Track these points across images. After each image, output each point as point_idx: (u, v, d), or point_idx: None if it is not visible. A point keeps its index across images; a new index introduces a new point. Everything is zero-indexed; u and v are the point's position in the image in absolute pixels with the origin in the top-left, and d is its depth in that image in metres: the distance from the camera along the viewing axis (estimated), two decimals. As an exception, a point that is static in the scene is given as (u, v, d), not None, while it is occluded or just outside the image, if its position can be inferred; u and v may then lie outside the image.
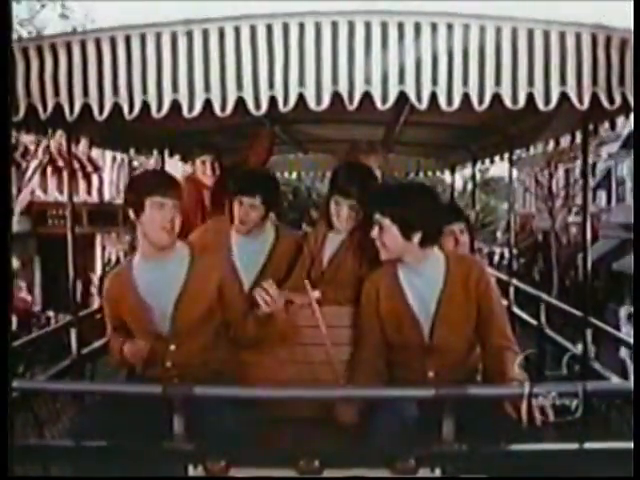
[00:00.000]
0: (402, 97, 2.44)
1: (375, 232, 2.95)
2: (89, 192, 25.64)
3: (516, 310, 5.04)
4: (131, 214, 2.94)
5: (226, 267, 3.11)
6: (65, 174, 18.35)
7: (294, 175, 7.65)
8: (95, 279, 20.70)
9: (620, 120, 3.37)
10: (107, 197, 26.03)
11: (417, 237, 2.92)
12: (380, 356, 3.07)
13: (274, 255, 3.67)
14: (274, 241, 3.70)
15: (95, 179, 26.01)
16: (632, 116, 3.00)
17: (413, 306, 2.98)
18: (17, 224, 17.28)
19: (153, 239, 2.93)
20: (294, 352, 3.31)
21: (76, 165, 21.83)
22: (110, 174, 26.69)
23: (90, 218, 20.35)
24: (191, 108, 2.47)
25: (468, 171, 7.16)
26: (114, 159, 24.77)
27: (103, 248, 24.45)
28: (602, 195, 27.12)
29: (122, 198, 3.04)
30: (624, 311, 13.21)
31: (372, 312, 3.06)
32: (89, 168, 24.88)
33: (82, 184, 24.76)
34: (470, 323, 2.98)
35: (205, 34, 2.45)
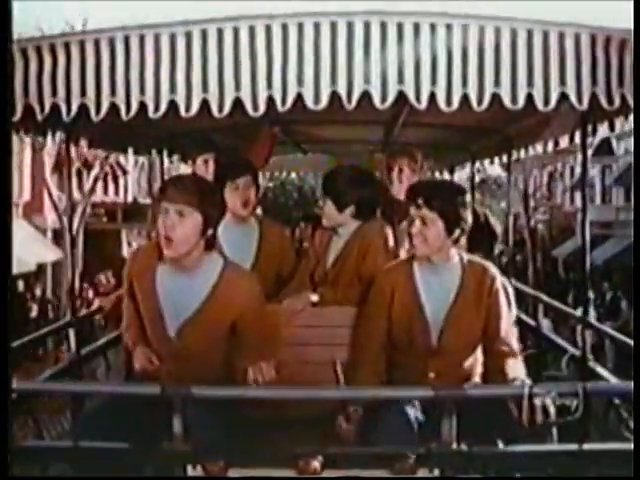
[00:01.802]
0: (401, 97, 2.44)
1: (417, 227, 2.91)
2: (117, 192, 28.46)
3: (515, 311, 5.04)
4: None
5: (253, 291, 2.91)
6: (91, 176, 20.07)
7: (298, 175, 7.64)
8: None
9: (619, 121, 3.37)
10: (130, 197, 28.62)
11: (457, 234, 2.92)
12: (382, 356, 3.05)
13: (264, 243, 3.71)
14: (259, 230, 3.74)
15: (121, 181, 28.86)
16: (631, 116, 3.01)
17: (426, 307, 2.97)
18: (59, 222, 20.53)
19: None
20: (294, 352, 3.31)
21: (108, 169, 24.06)
22: (133, 175, 28.30)
23: (123, 216, 24.50)
24: (188, 108, 2.47)
25: (465, 171, 7.18)
26: (136, 162, 26.14)
27: (129, 243, 25.77)
28: (577, 196, 29.15)
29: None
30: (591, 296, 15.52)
31: (383, 309, 3.02)
32: (118, 172, 27.34)
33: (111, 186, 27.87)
34: (478, 328, 2.99)
35: (204, 35, 2.45)
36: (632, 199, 20.91)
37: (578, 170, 28.25)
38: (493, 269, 3.07)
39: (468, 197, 3.02)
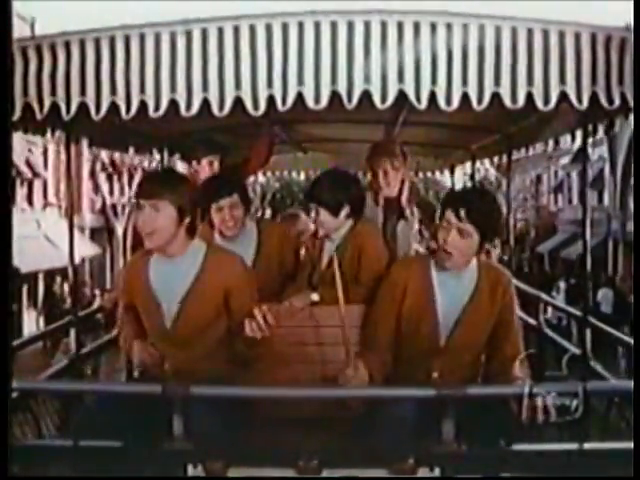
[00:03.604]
0: (401, 96, 2.44)
1: (453, 238, 2.84)
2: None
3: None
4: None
5: (237, 270, 3.00)
6: (135, 180, 24.40)
7: (299, 174, 7.62)
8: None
9: (618, 120, 3.37)
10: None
11: (486, 247, 2.94)
12: (389, 347, 3.04)
13: (262, 244, 3.70)
14: (257, 232, 3.73)
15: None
16: (631, 116, 3.00)
17: (439, 307, 2.96)
18: (95, 221, 26.82)
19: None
20: (294, 352, 3.31)
21: (134, 173, 27.88)
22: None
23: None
24: (189, 107, 2.47)
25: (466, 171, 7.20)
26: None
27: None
28: (559, 197, 34.10)
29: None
30: (562, 285, 20.70)
31: (394, 304, 3.01)
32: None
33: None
34: (488, 331, 2.99)
35: (204, 34, 2.45)
36: (632, 201, 21.76)
37: (560, 174, 32.94)
38: (508, 274, 3.08)
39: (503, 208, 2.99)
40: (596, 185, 27.25)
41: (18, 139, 21.51)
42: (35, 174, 23.13)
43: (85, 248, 23.36)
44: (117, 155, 24.93)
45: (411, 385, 2.84)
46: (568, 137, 4.17)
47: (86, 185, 26.63)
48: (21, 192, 23.21)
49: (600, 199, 27.58)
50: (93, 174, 27.16)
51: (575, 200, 31.42)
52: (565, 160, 30.28)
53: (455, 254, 2.87)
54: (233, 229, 3.61)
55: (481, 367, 3.09)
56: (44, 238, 21.17)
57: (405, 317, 2.99)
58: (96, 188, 26.83)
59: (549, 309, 10.27)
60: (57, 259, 18.88)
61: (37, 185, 23.76)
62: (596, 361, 3.67)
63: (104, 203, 27.68)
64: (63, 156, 24.41)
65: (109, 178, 27.89)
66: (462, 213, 2.82)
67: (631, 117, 3.03)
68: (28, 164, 23.00)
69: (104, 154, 24.28)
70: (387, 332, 3.03)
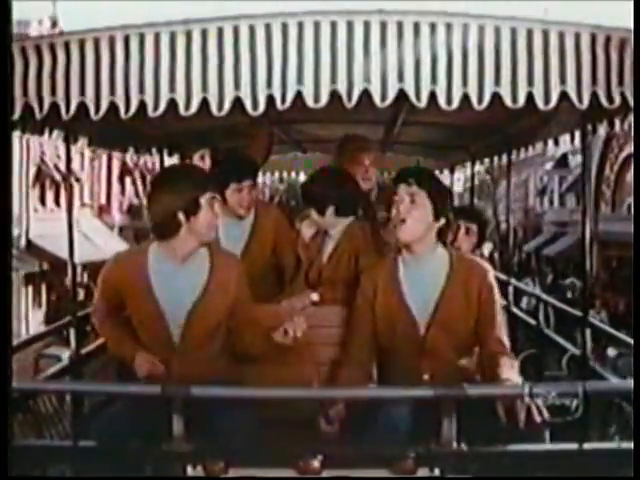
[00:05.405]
0: (401, 96, 2.44)
1: (405, 205, 2.87)
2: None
3: (515, 310, 5.04)
4: (180, 216, 2.80)
5: (239, 271, 3.01)
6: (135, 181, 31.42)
7: (302, 176, 7.64)
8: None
9: (618, 120, 3.37)
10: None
11: (442, 222, 2.90)
12: (370, 357, 3.02)
13: (256, 234, 3.74)
14: (254, 220, 3.77)
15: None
16: (631, 116, 3.01)
17: (410, 303, 2.92)
18: (122, 220, 31.13)
19: (205, 237, 2.87)
20: (294, 352, 3.30)
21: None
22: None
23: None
24: (188, 107, 2.46)
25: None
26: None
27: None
28: (545, 200, 36.88)
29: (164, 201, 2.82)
30: (538, 280, 23.33)
31: (367, 307, 2.99)
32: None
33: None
34: (468, 326, 2.94)
35: (204, 34, 2.44)
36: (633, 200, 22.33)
37: (546, 178, 35.63)
38: (485, 265, 3.03)
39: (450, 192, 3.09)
40: (575, 189, 29.56)
41: (62, 147, 24.09)
42: (77, 179, 25.92)
43: (116, 245, 25.85)
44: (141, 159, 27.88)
45: (409, 386, 2.83)
46: (567, 138, 4.17)
47: (115, 187, 30.78)
48: (64, 195, 26.66)
49: (578, 202, 29.06)
50: (122, 177, 30.65)
51: (556, 202, 34.53)
52: (549, 166, 33.11)
53: (409, 221, 2.87)
54: (249, 210, 3.67)
55: (474, 365, 3.07)
56: (81, 235, 22.71)
57: (380, 319, 2.96)
58: (123, 190, 30.31)
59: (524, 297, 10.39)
60: (93, 253, 21.03)
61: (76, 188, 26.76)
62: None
63: (131, 204, 31.26)
64: (96, 162, 29.01)
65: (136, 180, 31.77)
66: (411, 180, 2.89)
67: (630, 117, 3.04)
68: (69, 170, 25.51)
69: (128, 158, 27.27)
70: (364, 340, 3.00)
